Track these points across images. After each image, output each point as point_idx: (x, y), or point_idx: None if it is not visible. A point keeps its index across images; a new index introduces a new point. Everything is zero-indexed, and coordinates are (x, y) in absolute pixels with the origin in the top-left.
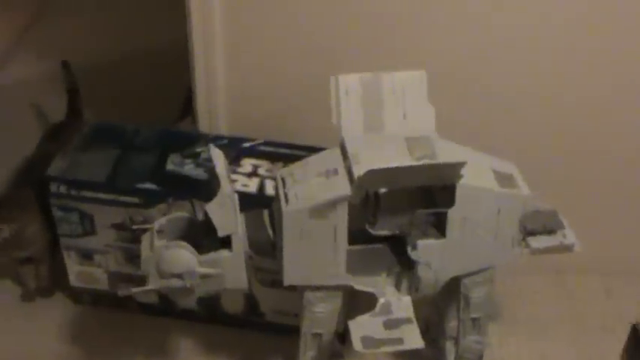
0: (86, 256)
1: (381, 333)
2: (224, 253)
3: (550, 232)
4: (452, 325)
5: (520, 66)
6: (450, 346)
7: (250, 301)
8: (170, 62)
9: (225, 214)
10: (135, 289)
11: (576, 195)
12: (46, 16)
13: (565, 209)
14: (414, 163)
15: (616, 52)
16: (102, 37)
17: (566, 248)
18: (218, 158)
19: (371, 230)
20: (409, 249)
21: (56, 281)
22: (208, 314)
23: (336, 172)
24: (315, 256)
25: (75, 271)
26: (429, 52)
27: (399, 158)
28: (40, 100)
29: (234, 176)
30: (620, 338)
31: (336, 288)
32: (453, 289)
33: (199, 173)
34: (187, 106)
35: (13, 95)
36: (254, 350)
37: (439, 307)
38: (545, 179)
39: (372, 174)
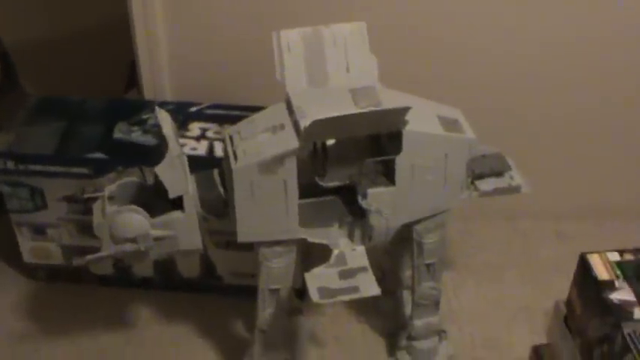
0: (38, 231)
1: (337, 283)
2: (176, 214)
3: (497, 174)
4: (407, 274)
5: (461, 17)
6: (407, 296)
7: (207, 264)
8: (113, 35)
9: (174, 174)
10: (90, 257)
11: (525, 140)
12: None
13: (513, 155)
14: (359, 110)
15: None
16: (42, 13)
17: (514, 189)
18: (165, 120)
19: (321, 182)
20: (360, 198)
21: (8, 259)
22: (166, 281)
23: (282, 127)
24: (267, 211)
25: (28, 247)
26: (370, 5)
27: (344, 109)
28: None
29: (182, 141)
30: (570, 277)
31: (290, 242)
32: (405, 237)
33: (147, 140)
34: (132, 79)
35: None
36: (213, 314)
37: (394, 257)
38: (492, 125)
39: (318, 124)
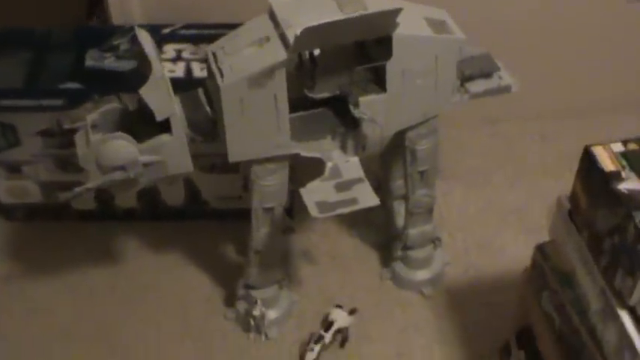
0: (13, 169)
1: (334, 196)
2: (164, 138)
3: (487, 75)
4: (398, 184)
5: None
6: (397, 206)
7: (191, 190)
8: None
9: (160, 96)
10: (77, 189)
11: (502, 39)
12: None
13: (497, 55)
14: (349, 15)
15: None
16: None
17: (504, 89)
18: (145, 40)
19: (310, 94)
20: (352, 107)
21: None
22: (150, 211)
23: (268, 39)
24: (258, 127)
25: (3, 186)
26: None
27: (330, 16)
28: None
29: None
30: (557, 177)
31: (283, 158)
32: (397, 146)
33: (121, 65)
34: (92, 5)
35: None
36: (201, 239)
37: (384, 167)
38: (478, 25)
39: (307, 32)
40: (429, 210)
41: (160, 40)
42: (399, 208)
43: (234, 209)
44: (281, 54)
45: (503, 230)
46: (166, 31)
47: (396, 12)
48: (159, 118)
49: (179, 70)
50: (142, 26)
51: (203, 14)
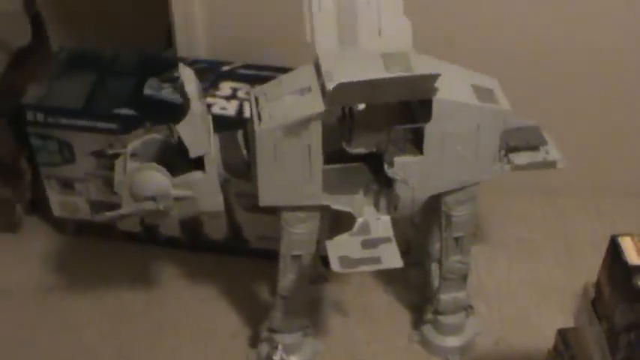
0: (67, 185)
1: (359, 253)
2: (197, 175)
3: (533, 148)
4: (437, 246)
5: None
6: (435, 268)
7: (233, 227)
8: None
9: (195, 134)
10: (109, 214)
11: (565, 115)
12: None
13: (554, 129)
14: (387, 75)
15: None
16: None
17: (550, 164)
18: (188, 78)
19: (347, 148)
20: (386, 166)
21: (39, 212)
22: (192, 241)
23: (309, 89)
24: (290, 176)
25: (57, 200)
26: None
27: (373, 73)
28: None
29: (212, 100)
30: None
31: (314, 208)
32: (435, 208)
33: (177, 98)
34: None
35: None
36: (239, 276)
37: (423, 229)
38: (531, 97)
39: (344, 87)
40: (463, 277)
41: (218, 77)
42: (437, 271)
43: (274, 250)
44: (319, 106)
45: (543, 307)
46: (226, 68)
47: (435, 77)
48: (192, 155)
49: (231, 108)
50: (204, 61)
51: (268, 55)
